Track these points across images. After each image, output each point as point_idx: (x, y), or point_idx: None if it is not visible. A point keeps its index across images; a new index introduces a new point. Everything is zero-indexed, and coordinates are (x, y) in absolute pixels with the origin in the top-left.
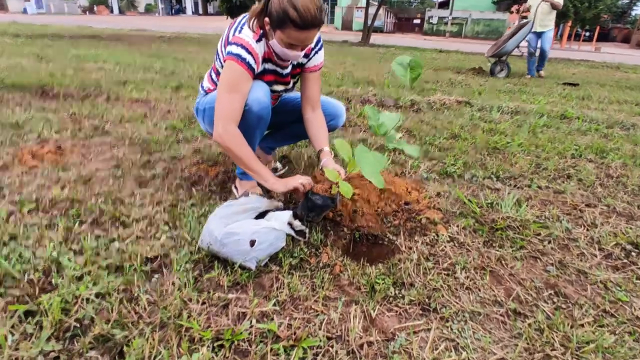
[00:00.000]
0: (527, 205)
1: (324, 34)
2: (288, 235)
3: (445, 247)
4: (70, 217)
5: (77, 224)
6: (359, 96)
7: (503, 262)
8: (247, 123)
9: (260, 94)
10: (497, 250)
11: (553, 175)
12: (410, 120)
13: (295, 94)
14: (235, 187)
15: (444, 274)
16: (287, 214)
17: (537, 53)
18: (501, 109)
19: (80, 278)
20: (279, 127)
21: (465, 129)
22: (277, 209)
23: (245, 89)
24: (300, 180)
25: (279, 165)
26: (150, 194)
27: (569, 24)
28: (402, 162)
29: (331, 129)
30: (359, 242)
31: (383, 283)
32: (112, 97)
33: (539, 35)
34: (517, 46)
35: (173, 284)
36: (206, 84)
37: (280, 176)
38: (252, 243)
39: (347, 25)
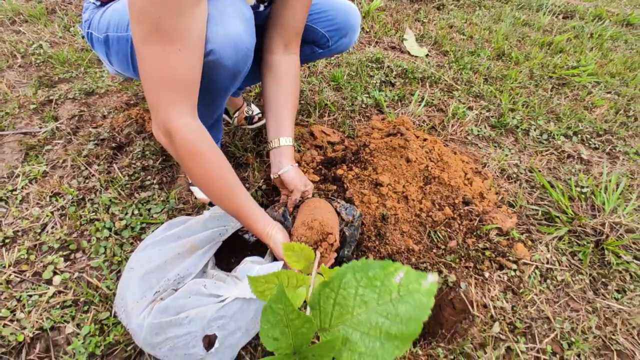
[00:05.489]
0: (637, 196)
1: None
2: None
3: (537, 295)
4: None
5: None
6: None
7: (628, 324)
8: (212, 86)
9: (237, 26)
10: (615, 302)
11: None
12: (436, 24)
13: None
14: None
15: None
16: (280, 263)
17: None
18: (547, 8)
19: None
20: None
21: (512, 43)
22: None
23: (191, 22)
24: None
25: (254, 109)
26: (40, 174)
27: None
28: (438, 105)
29: (337, 51)
30: None
31: None
32: None
33: None
34: None
35: None
36: None
37: (262, 130)
38: (210, 342)
39: None
